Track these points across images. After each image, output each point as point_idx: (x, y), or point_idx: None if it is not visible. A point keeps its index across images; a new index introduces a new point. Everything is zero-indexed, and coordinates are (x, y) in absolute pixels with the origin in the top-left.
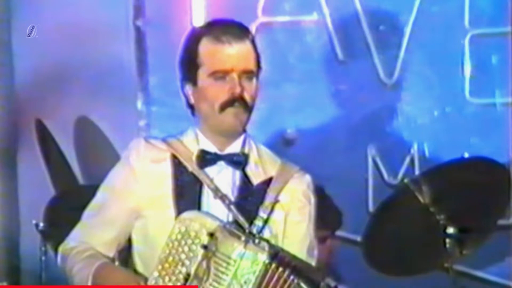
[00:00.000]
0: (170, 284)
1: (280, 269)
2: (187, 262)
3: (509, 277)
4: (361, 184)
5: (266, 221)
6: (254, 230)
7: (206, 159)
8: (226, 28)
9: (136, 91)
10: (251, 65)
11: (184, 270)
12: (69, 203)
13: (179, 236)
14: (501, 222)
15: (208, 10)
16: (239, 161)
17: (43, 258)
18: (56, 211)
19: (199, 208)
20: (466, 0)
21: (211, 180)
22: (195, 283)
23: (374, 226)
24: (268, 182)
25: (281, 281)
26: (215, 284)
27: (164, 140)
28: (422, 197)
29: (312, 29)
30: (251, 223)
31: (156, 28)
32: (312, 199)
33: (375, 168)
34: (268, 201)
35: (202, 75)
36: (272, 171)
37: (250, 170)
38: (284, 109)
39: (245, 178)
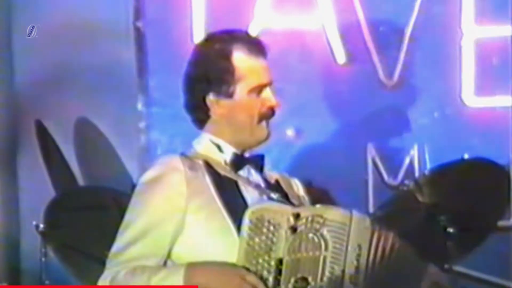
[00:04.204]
0: (265, 272)
1: (383, 230)
2: (273, 248)
3: (509, 278)
4: (361, 185)
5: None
6: None
7: (238, 161)
8: (253, 41)
9: (136, 92)
10: (272, 78)
11: (273, 255)
12: (69, 204)
13: (259, 225)
14: (501, 223)
15: (208, 12)
16: (260, 163)
17: (43, 259)
18: (56, 212)
19: (245, 203)
20: (466, 1)
21: (244, 178)
22: (288, 260)
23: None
24: (277, 182)
25: (384, 240)
26: (336, 251)
27: (182, 154)
28: (422, 198)
29: (312, 31)
30: None
31: (156, 29)
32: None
33: (375, 169)
34: (291, 196)
35: (242, 89)
36: (273, 175)
37: (264, 172)
38: (284, 110)
39: (265, 179)
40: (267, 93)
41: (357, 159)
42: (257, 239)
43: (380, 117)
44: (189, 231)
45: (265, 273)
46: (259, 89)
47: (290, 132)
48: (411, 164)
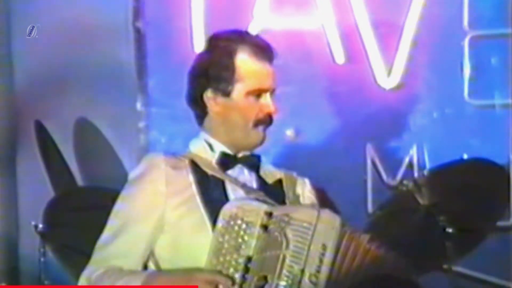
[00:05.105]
0: (231, 270)
1: (355, 233)
2: (243, 246)
3: (508, 279)
4: (360, 185)
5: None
6: None
7: (227, 161)
8: (261, 44)
9: (136, 93)
10: (276, 84)
11: (242, 253)
12: (68, 205)
13: (231, 222)
14: (501, 223)
15: (207, 12)
16: (255, 163)
17: (42, 259)
18: (55, 212)
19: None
20: (466, 1)
21: (232, 177)
22: (256, 259)
23: (373, 227)
24: (279, 182)
25: (356, 244)
26: (297, 250)
27: (173, 153)
28: (421, 198)
29: (311, 31)
30: None
31: (155, 29)
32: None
33: (374, 169)
34: (287, 196)
35: (240, 90)
36: (277, 174)
37: (262, 172)
38: (283, 110)
39: (260, 179)
40: (266, 98)
41: (356, 159)
42: (227, 237)
43: (379, 117)
44: (169, 228)
45: (231, 270)
46: (258, 93)
47: (289, 132)
48: (410, 164)
